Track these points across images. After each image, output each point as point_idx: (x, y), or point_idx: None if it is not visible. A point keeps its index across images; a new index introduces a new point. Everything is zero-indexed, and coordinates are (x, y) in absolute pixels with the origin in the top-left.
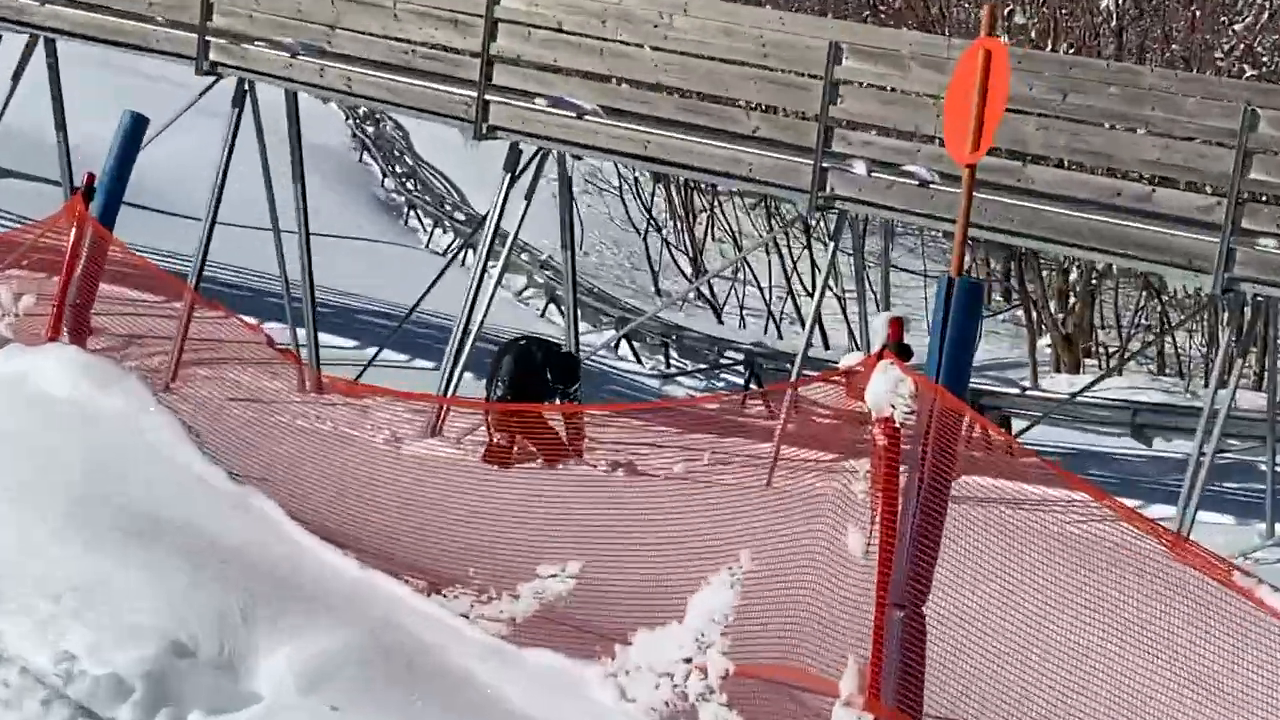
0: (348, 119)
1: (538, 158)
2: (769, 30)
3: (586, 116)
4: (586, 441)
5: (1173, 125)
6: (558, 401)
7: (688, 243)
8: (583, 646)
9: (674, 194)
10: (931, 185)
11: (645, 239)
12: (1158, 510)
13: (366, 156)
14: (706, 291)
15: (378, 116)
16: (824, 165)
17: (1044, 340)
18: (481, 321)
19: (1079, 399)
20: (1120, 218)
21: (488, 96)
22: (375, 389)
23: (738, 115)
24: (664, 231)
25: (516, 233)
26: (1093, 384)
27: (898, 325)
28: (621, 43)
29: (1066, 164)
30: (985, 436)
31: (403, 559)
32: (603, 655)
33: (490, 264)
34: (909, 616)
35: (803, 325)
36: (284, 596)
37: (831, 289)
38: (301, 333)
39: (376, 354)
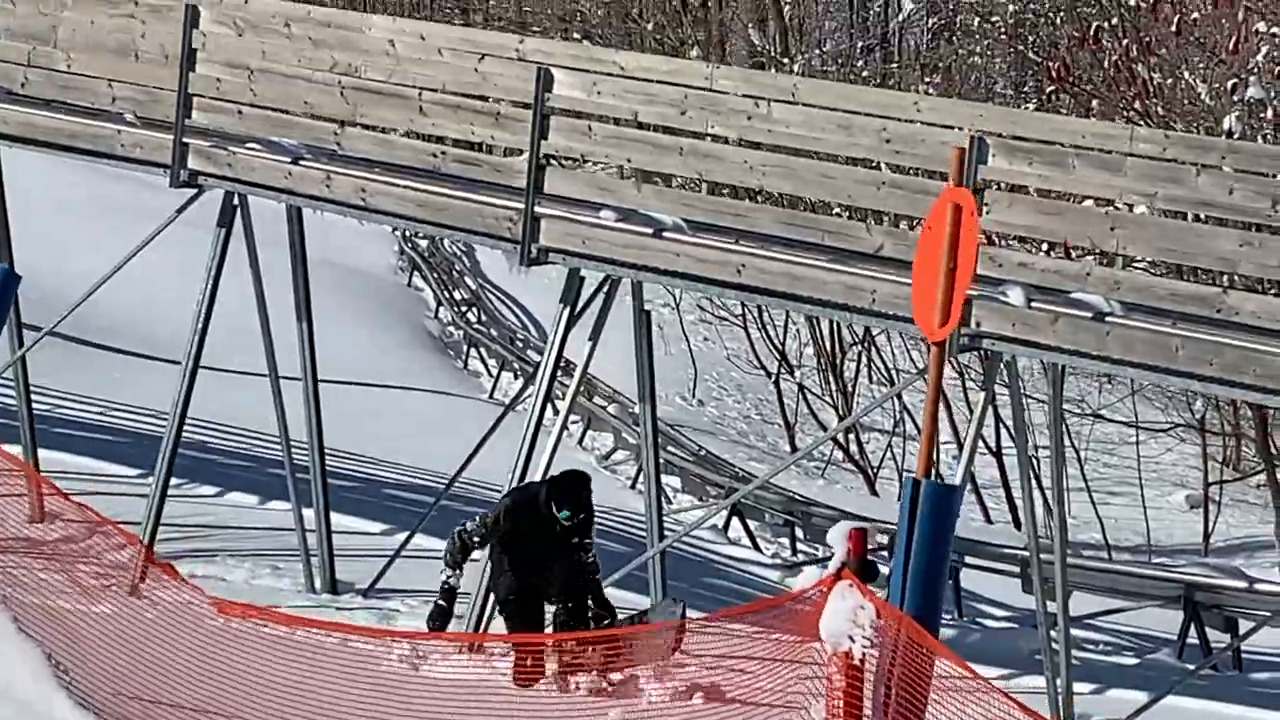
0: (394, 230)
1: (606, 287)
2: (895, 120)
3: (665, 234)
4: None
5: None
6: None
7: (833, 388)
8: None
9: (816, 326)
10: (1109, 318)
11: (777, 384)
12: None
13: (417, 278)
14: (856, 451)
15: None
16: (968, 292)
17: None
18: None
19: None
20: None
21: (538, 209)
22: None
23: (857, 230)
24: (799, 373)
25: (581, 377)
26: None
27: (859, 537)
28: (708, 138)
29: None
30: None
31: None
32: None
33: (550, 415)
34: None
35: (978, 496)
36: None
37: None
38: (310, 513)
39: (405, 542)
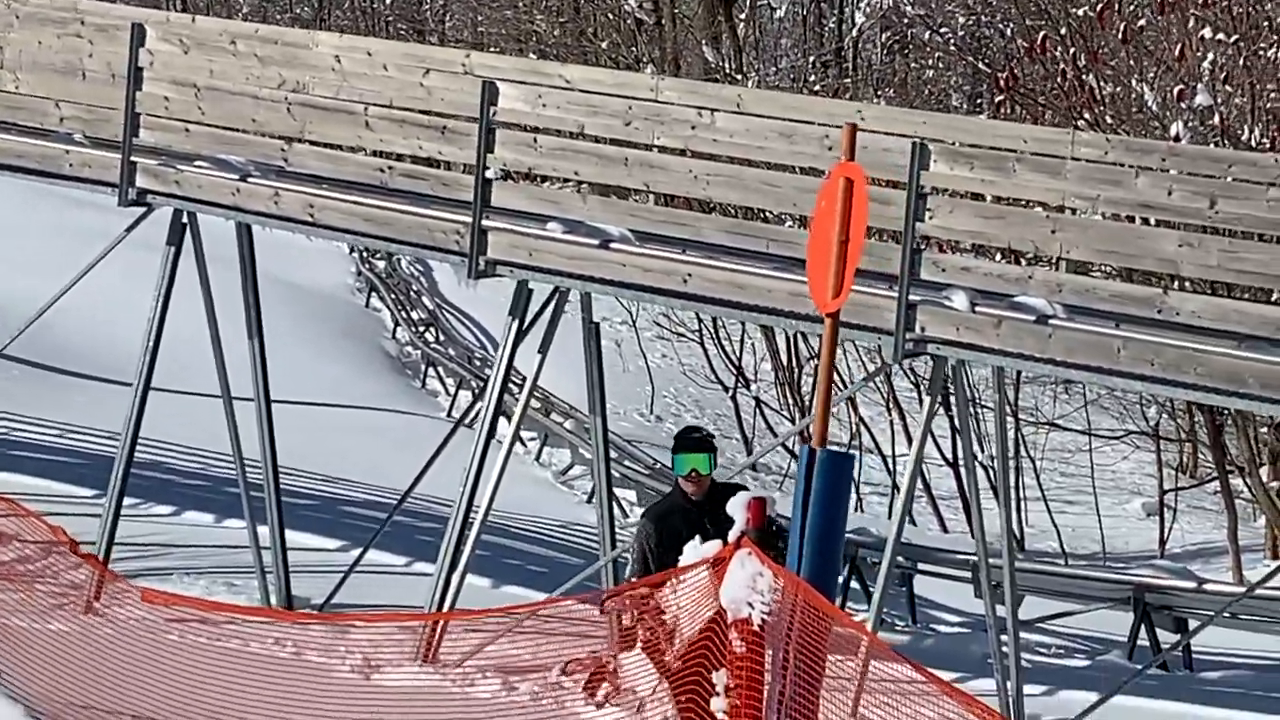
0: (351, 251)
1: (554, 299)
2: (838, 128)
3: (611, 245)
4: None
5: None
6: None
7: (790, 402)
8: None
9: (772, 341)
10: (1052, 321)
11: (734, 397)
12: None
13: (375, 299)
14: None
15: None
16: (911, 298)
17: (1261, 520)
18: (488, 507)
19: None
20: None
21: (485, 222)
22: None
23: (801, 237)
24: (756, 387)
25: (530, 389)
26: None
27: (759, 506)
28: (654, 149)
29: (1221, 289)
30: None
31: None
32: None
33: (503, 430)
34: None
35: (934, 506)
36: None
37: (978, 458)
38: (265, 530)
39: (359, 558)
